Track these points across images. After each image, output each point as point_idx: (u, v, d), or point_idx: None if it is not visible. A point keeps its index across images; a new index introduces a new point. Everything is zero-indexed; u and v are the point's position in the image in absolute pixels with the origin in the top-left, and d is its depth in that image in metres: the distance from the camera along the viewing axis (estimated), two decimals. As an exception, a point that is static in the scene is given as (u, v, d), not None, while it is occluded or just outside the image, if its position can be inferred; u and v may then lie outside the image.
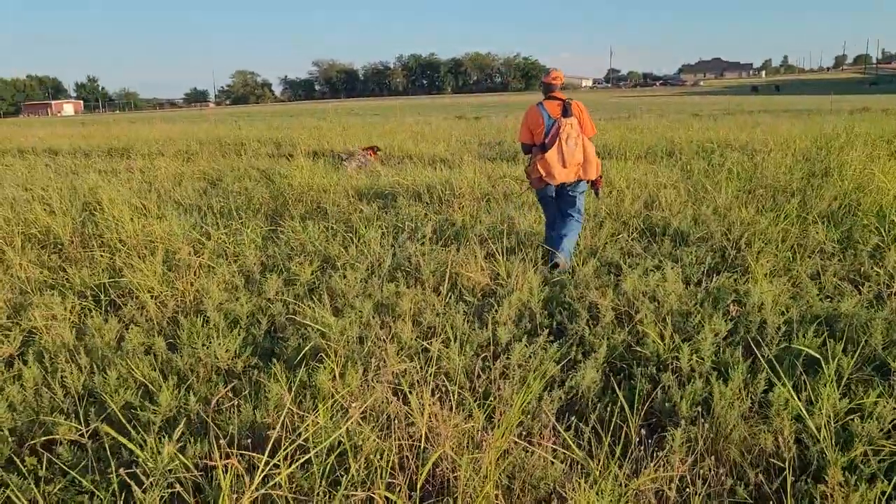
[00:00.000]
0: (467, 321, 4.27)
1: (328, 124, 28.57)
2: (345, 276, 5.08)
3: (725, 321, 3.89)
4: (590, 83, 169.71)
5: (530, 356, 3.65)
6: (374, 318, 4.28)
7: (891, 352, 3.53)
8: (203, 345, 3.69)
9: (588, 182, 5.92)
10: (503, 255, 5.37)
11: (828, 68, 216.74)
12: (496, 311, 4.24)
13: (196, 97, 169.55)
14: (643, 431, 3.00)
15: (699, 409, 3.14)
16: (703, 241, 6.17)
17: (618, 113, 35.20)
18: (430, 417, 2.91)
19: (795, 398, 2.93)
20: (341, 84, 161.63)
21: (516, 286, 4.73)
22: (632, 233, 6.51)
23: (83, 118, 73.26)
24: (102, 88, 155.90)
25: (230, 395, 3.22)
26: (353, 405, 2.91)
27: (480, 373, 3.46)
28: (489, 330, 3.93)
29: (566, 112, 5.67)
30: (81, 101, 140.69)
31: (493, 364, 3.54)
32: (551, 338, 3.96)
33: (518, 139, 6.12)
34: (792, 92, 76.59)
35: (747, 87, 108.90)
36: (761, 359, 3.39)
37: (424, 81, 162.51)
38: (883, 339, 3.61)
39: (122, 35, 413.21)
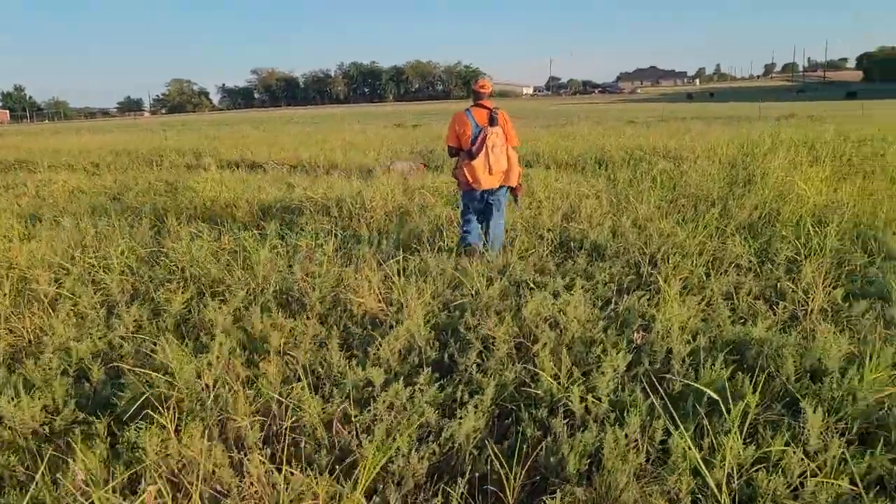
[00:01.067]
0: (349, 356, 3.78)
1: (261, 133, 27.73)
2: (222, 305, 4.54)
3: (627, 351, 3.50)
4: (530, 91, 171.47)
5: (407, 400, 3.18)
6: (240, 355, 3.75)
7: (802, 383, 3.18)
8: (10, 400, 3.07)
9: (508, 188, 6.11)
10: (400, 276, 4.89)
11: (758, 76, 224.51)
12: (379, 344, 3.75)
13: (130, 106, 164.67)
14: (524, 493, 2.56)
15: (589, 462, 2.72)
16: (620, 255, 5.83)
17: (556, 120, 35.30)
18: (269, 488, 2.41)
19: (694, 448, 2.54)
20: (281, 92, 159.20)
21: (410, 313, 4.26)
22: (547, 247, 6.13)
23: (6, 128, 70.01)
24: (30, 98, 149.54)
25: (22, 468, 2.64)
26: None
27: (340, 425, 2.97)
28: (366, 369, 3.44)
29: (492, 121, 5.78)
30: (7, 111, 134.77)
31: (360, 413, 3.05)
32: (437, 375, 3.50)
33: (445, 142, 6.19)
34: (725, 99, 78.77)
35: (683, 94, 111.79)
36: (657, 401, 2.99)
37: (366, 89, 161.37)
38: (795, 368, 3.26)
39: (53, 42, 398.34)
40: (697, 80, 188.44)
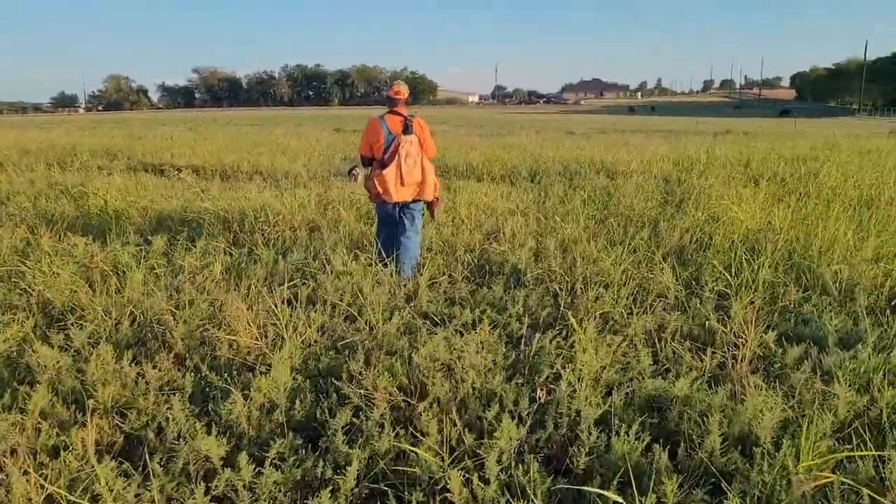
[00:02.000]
0: (199, 413, 3.12)
1: (191, 135, 26.50)
2: (66, 343, 3.81)
3: (529, 412, 2.94)
4: (476, 99, 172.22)
5: (251, 480, 2.54)
6: (55, 414, 3.04)
7: (730, 458, 2.67)
8: None
9: (424, 203, 5.77)
10: (291, 304, 4.24)
11: (697, 91, 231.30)
12: (233, 402, 3.08)
13: (65, 101, 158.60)
14: None
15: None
16: (540, 282, 5.31)
17: (498, 129, 35.04)
18: None
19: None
20: (223, 93, 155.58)
21: (287, 355, 3.61)
22: (463, 271, 5.57)
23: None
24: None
25: None
26: None
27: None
28: (211, 436, 2.77)
29: (407, 129, 5.43)
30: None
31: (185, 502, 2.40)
32: (301, 441, 2.87)
33: (359, 150, 5.80)
34: (665, 112, 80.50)
35: (625, 107, 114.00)
36: (559, 481, 2.44)
37: (311, 92, 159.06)
38: (722, 437, 2.75)
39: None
40: (640, 94, 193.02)
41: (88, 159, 15.40)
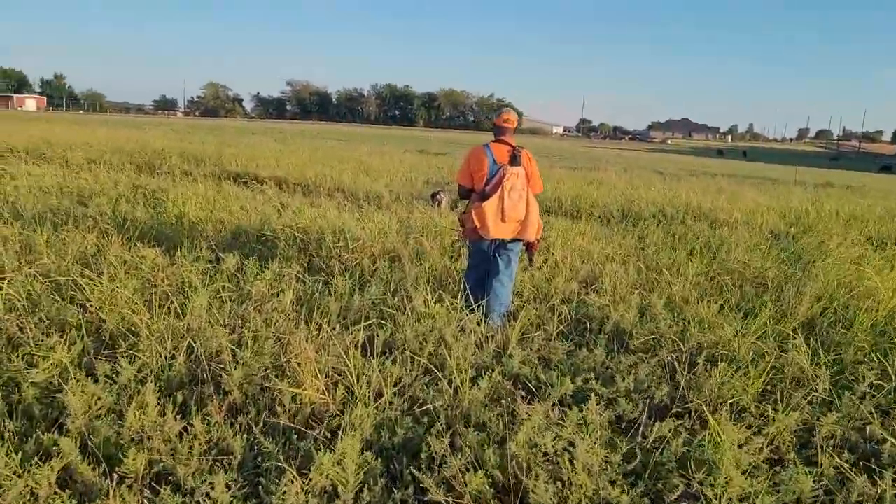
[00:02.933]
0: (252, 492, 2.57)
1: (280, 146, 26.78)
2: (112, 375, 3.36)
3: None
4: (560, 130, 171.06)
5: None
6: (88, 472, 2.55)
7: None
8: None
9: (524, 244, 5.17)
10: (365, 350, 3.69)
11: (791, 139, 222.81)
12: (292, 479, 2.51)
13: (165, 105, 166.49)
14: None
15: None
16: (650, 348, 4.59)
17: (583, 163, 34.16)
18: None
19: None
20: (313, 106, 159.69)
21: (359, 421, 3.04)
22: (558, 325, 4.90)
23: (36, 114, 70.28)
24: (69, 87, 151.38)
25: None
26: None
27: None
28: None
29: (514, 160, 4.88)
30: (45, 98, 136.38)
31: None
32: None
33: (457, 180, 5.22)
34: (757, 158, 77.36)
35: (713, 149, 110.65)
36: None
37: (397, 112, 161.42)
38: None
39: (96, 35, 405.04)
40: (730, 137, 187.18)
41: (176, 163, 15.52)
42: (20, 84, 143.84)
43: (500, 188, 4.80)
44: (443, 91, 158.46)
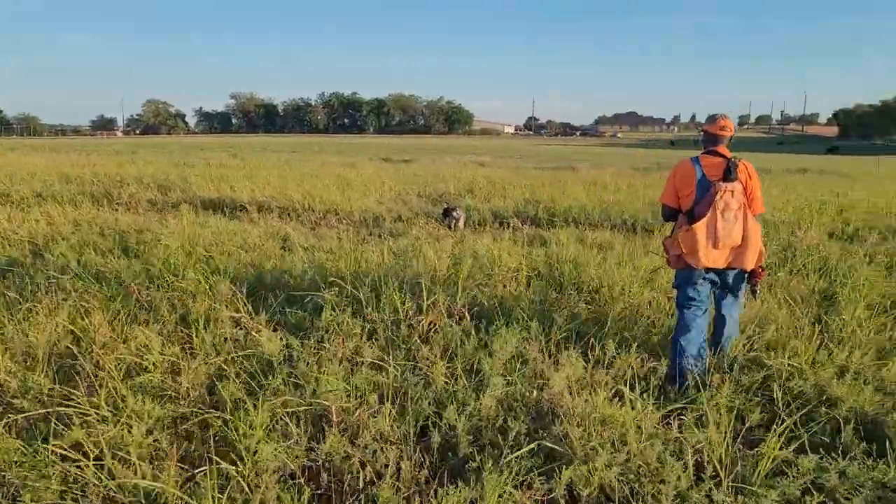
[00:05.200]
0: None
1: (239, 162, 24.76)
2: None
3: None
4: (511, 130, 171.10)
5: None
6: None
7: None
8: None
9: (745, 274, 4.32)
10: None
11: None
12: None
13: (103, 124, 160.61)
14: None
15: None
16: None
17: (549, 162, 33.05)
18: None
19: None
20: (259, 119, 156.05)
21: None
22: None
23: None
24: (1, 112, 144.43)
25: None
26: None
27: None
28: None
29: (728, 174, 4.09)
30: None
31: None
32: None
33: (660, 198, 4.47)
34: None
35: (664, 140, 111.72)
36: None
37: (346, 120, 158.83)
38: None
39: (28, 55, 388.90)
40: (675, 128, 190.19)
41: (137, 191, 13.61)
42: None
43: (712, 208, 4.06)
44: (391, 96, 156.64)
